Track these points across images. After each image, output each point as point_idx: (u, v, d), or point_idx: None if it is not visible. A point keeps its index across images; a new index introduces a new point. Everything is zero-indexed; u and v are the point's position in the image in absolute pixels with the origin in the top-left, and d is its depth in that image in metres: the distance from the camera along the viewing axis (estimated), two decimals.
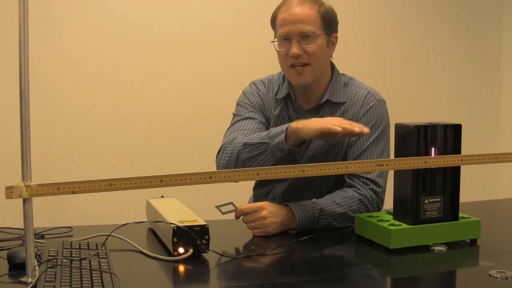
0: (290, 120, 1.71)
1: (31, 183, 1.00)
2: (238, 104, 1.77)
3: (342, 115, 1.66)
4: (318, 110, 1.69)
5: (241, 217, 1.51)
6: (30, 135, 1.01)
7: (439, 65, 3.53)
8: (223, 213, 1.48)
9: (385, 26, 3.39)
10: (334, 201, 1.55)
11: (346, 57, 3.23)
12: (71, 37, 2.81)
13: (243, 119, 1.71)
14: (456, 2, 3.53)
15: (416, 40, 3.46)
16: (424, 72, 3.49)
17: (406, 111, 3.31)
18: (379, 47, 3.38)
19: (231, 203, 1.48)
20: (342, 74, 1.76)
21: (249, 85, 1.80)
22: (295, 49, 1.60)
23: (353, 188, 1.59)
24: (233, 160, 1.59)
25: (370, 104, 1.67)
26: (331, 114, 1.67)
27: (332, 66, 1.74)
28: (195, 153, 2.94)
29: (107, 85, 2.88)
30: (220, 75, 3.02)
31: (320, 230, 1.51)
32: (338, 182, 1.68)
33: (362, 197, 1.57)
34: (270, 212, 1.48)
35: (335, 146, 1.67)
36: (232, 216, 1.51)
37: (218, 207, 1.47)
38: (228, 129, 1.73)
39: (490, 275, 1.11)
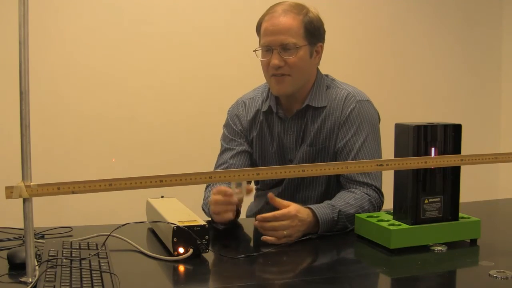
0: (272, 134, 1.72)
1: (31, 183, 1.00)
2: (223, 130, 1.82)
3: (324, 121, 1.66)
4: (302, 116, 1.69)
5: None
6: (30, 135, 1.01)
7: (439, 65, 3.53)
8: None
9: (385, 26, 3.39)
10: (348, 202, 1.53)
11: (346, 57, 3.25)
12: (71, 37, 2.81)
13: (224, 150, 1.78)
14: (457, 2, 3.53)
15: (416, 40, 3.46)
16: (424, 72, 3.49)
17: (406, 111, 3.34)
18: (379, 47, 3.38)
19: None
20: (326, 75, 1.75)
21: (232, 106, 1.82)
22: (275, 61, 1.60)
23: (358, 189, 1.60)
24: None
25: (351, 107, 1.65)
26: (314, 119, 1.67)
27: (316, 71, 1.73)
28: (195, 153, 2.94)
29: (107, 85, 2.88)
30: (220, 75, 3.02)
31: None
32: (328, 187, 1.69)
33: (370, 197, 1.57)
34: (300, 220, 1.42)
35: (320, 155, 1.67)
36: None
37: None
38: (217, 158, 1.80)
39: (490, 275, 1.11)
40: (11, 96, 1.37)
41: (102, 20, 2.85)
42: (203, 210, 1.67)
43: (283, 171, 1.18)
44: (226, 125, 1.81)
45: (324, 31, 1.69)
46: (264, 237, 1.40)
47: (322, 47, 1.69)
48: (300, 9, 1.63)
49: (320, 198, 1.67)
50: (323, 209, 1.48)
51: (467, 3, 3.56)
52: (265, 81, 1.80)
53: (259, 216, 1.42)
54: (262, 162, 1.76)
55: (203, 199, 1.69)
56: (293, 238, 1.41)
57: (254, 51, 1.66)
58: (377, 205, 1.59)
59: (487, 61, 3.64)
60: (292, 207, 1.42)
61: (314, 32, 1.64)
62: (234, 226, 1.56)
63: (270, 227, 1.40)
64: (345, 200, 1.54)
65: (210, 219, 1.58)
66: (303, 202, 1.69)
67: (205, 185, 1.72)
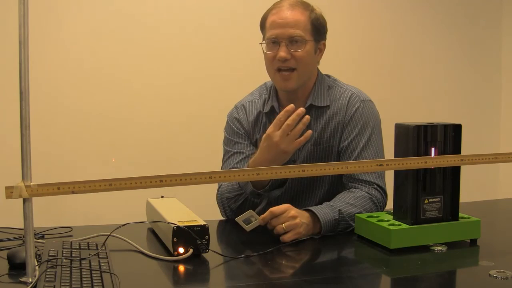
0: None
1: (31, 183, 1.00)
2: (225, 135, 1.80)
3: (328, 121, 1.66)
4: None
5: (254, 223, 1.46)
6: (30, 135, 1.01)
7: (439, 65, 3.53)
8: (248, 230, 1.44)
9: (385, 26, 3.39)
10: (348, 202, 1.53)
11: (346, 57, 3.24)
12: (71, 37, 2.81)
13: (230, 155, 1.75)
14: (457, 2, 3.53)
15: (416, 40, 3.45)
16: (424, 72, 3.49)
17: (406, 111, 3.33)
18: (379, 47, 3.37)
19: (250, 214, 1.43)
20: (327, 75, 1.75)
21: (231, 111, 1.81)
22: (283, 53, 1.59)
23: (359, 189, 1.59)
24: (228, 211, 1.69)
25: (355, 106, 1.66)
26: (317, 119, 1.67)
27: (317, 70, 1.73)
28: (195, 153, 2.94)
29: (107, 85, 2.88)
30: (220, 75, 3.02)
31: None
32: (332, 186, 1.69)
33: (371, 196, 1.57)
34: (297, 212, 1.44)
35: (324, 155, 1.67)
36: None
37: (240, 221, 1.44)
38: (222, 164, 1.78)
39: (490, 275, 1.11)
40: (11, 96, 1.37)
41: (102, 20, 2.85)
42: (226, 215, 1.71)
43: (283, 171, 1.18)
44: (227, 129, 1.79)
45: (326, 30, 1.70)
46: (281, 237, 1.42)
47: (324, 45, 1.70)
48: (307, 6, 1.65)
49: (322, 198, 1.67)
50: (322, 209, 1.48)
51: (467, 2, 3.56)
52: (259, 84, 1.80)
53: (261, 219, 1.44)
54: None
55: (223, 209, 1.71)
56: (301, 229, 1.42)
57: (260, 43, 1.65)
58: (380, 205, 1.59)
59: (487, 60, 3.64)
60: (285, 204, 1.46)
61: (319, 29, 1.65)
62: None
63: (271, 225, 1.44)
64: (344, 200, 1.54)
65: (211, 218, 1.58)
66: (305, 202, 1.69)
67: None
